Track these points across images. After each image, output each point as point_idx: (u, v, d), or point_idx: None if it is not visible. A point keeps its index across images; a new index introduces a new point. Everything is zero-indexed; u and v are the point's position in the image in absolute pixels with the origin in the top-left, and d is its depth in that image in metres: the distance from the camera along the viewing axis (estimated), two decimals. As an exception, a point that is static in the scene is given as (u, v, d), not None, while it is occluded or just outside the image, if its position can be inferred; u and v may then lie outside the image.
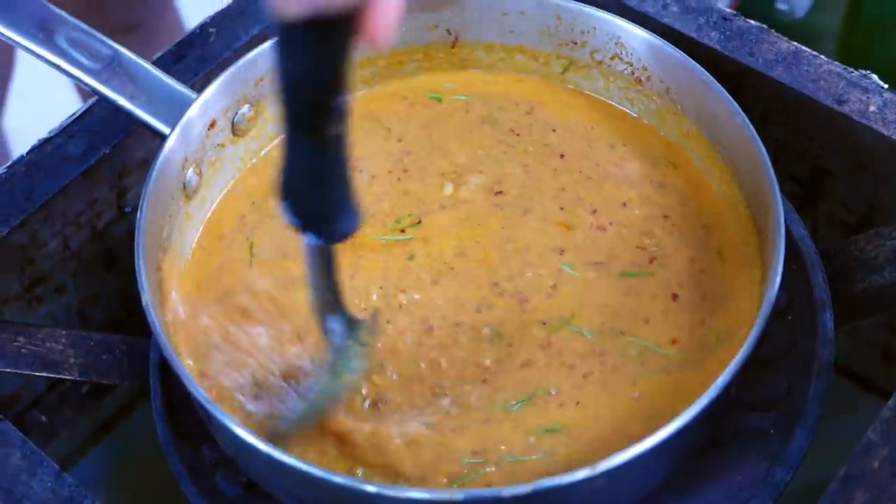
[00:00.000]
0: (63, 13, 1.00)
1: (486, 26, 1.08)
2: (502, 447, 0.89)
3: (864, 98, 1.03)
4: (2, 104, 1.80)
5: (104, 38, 1.01)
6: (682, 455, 0.89)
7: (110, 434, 1.25)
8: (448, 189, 1.04)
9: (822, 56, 1.06)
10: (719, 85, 0.99)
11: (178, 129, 0.98)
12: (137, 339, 1.06)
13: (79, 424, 1.21)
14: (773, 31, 1.08)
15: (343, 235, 0.82)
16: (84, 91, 1.85)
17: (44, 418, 1.16)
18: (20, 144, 1.86)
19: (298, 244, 1.01)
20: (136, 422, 1.25)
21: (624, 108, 1.08)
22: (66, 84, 1.91)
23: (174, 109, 0.99)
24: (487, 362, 0.94)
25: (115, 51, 1.00)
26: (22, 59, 1.78)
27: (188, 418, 0.97)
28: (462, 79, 1.11)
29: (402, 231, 1.01)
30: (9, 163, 1.06)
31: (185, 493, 0.93)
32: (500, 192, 1.03)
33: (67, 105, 1.77)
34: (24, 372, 1.00)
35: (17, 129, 1.93)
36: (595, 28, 1.05)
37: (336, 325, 0.90)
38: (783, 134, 1.08)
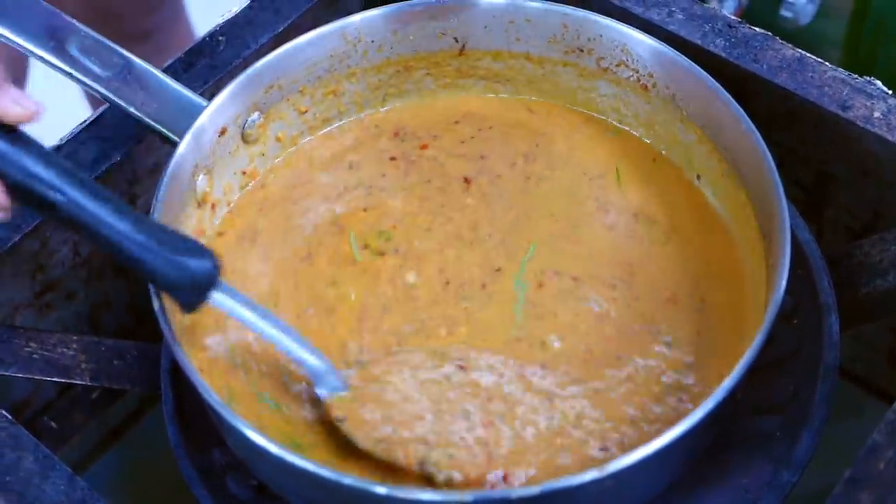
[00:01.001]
0: (75, 22, 1.01)
1: (493, 34, 1.09)
2: None
3: (868, 104, 1.04)
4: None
5: (115, 47, 1.02)
6: (689, 458, 0.90)
7: (120, 440, 1.26)
8: None
9: (827, 63, 1.07)
10: (725, 91, 0.99)
11: (189, 137, 0.98)
12: (148, 345, 1.06)
13: (89, 430, 1.22)
14: (777, 38, 1.09)
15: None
16: (93, 100, 1.86)
17: (54, 424, 1.17)
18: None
19: (310, 249, 1.03)
20: (145, 427, 1.26)
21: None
22: (76, 93, 1.92)
23: (184, 117, 1.00)
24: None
25: (127, 59, 1.01)
26: (31, 67, 1.79)
27: (199, 423, 0.97)
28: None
29: None
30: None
31: (197, 495, 0.94)
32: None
33: (77, 114, 1.77)
34: (36, 377, 1.01)
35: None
36: (601, 35, 1.06)
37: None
38: (788, 140, 1.09)
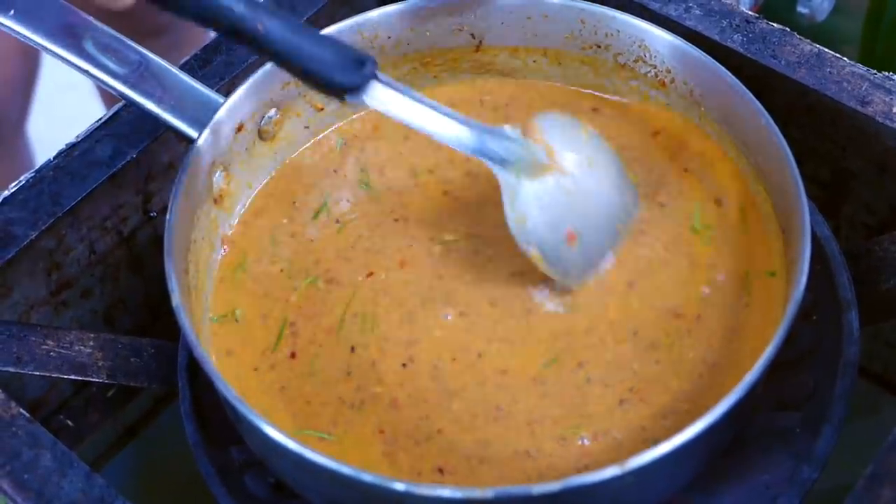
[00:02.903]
0: (91, 18, 1.01)
1: (510, 30, 1.09)
2: None
3: (887, 99, 1.03)
4: (28, 109, 1.81)
5: (132, 43, 1.01)
6: (710, 454, 0.90)
7: (136, 438, 1.25)
8: None
9: (845, 58, 1.07)
10: (744, 87, 0.99)
11: (206, 133, 0.98)
12: (165, 342, 1.06)
13: (105, 429, 1.22)
14: (795, 33, 1.09)
15: None
16: (106, 97, 1.87)
17: (70, 423, 1.17)
18: (43, 150, 1.87)
19: (324, 245, 1.03)
20: (161, 426, 1.25)
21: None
22: (89, 90, 1.92)
23: (201, 113, 1.00)
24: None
25: (143, 56, 1.01)
26: (43, 65, 1.79)
27: (216, 420, 0.97)
28: None
29: None
30: (36, 168, 1.07)
31: (215, 493, 0.94)
32: None
33: (89, 111, 1.77)
34: (53, 375, 1.01)
35: (39, 135, 1.94)
36: (619, 31, 1.06)
37: None
38: (806, 135, 1.09)
